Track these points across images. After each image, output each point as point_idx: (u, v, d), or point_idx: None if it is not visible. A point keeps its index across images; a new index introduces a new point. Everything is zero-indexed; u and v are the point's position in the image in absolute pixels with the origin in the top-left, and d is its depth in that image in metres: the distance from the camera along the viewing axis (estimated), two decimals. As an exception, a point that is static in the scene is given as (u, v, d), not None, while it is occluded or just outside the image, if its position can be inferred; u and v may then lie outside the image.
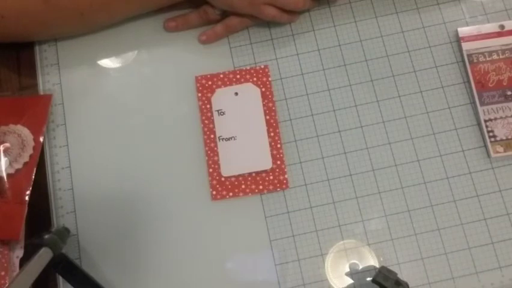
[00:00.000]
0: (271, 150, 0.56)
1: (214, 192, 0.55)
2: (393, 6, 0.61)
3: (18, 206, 0.52)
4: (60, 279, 0.53)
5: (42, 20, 0.54)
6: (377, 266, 0.53)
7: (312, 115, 0.57)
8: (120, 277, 0.53)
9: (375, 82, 0.58)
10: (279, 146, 0.56)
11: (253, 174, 0.55)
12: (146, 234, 0.54)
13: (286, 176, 0.55)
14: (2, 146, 0.54)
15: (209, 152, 0.56)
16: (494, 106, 0.56)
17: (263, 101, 0.57)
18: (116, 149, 0.57)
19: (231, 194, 0.55)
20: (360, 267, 0.53)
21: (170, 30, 0.60)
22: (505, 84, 0.57)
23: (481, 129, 0.56)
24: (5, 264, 0.52)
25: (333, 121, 0.57)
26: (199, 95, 0.58)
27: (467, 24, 0.60)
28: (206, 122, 0.57)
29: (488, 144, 0.55)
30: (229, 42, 0.60)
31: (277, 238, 0.54)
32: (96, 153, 0.57)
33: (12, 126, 0.55)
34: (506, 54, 0.57)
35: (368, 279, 0.53)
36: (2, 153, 0.54)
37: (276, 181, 0.55)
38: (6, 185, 0.53)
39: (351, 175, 0.56)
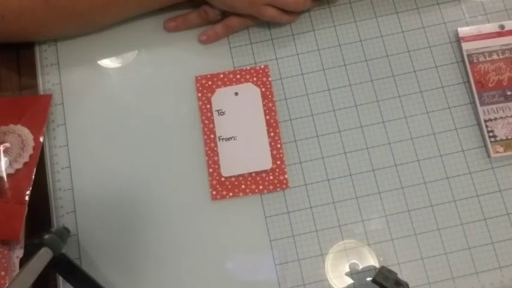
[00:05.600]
0: (271, 150, 0.56)
1: (214, 192, 0.55)
2: (393, 6, 0.61)
3: (18, 206, 0.52)
4: (60, 279, 0.53)
5: (42, 21, 0.54)
6: (377, 266, 0.53)
7: (312, 115, 0.57)
8: (120, 277, 0.53)
9: (375, 82, 0.58)
10: (279, 146, 0.56)
11: (253, 174, 0.55)
12: (146, 234, 0.54)
13: (286, 176, 0.55)
14: (2, 146, 0.55)
15: (209, 152, 0.56)
16: (494, 106, 0.56)
17: (263, 101, 0.57)
18: (116, 149, 0.57)
19: (231, 194, 0.55)
20: (360, 267, 0.53)
21: (170, 30, 0.60)
22: (505, 84, 0.57)
23: (481, 129, 0.56)
24: (5, 264, 0.52)
25: (333, 121, 0.57)
26: (199, 95, 0.58)
27: (467, 24, 0.60)
28: (206, 122, 0.57)
29: (488, 144, 0.55)
30: (229, 42, 0.60)
31: (277, 238, 0.54)
32: (96, 153, 0.57)
33: (12, 126, 0.55)
34: (506, 54, 0.57)
35: (368, 279, 0.53)
36: (2, 153, 0.54)
37: (276, 181, 0.55)
38: (6, 185, 0.53)
39: (351, 175, 0.56)
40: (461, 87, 0.58)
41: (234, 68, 0.59)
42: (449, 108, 0.57)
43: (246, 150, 0.56)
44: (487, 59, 0.57)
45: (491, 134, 0.55)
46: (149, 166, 0.56)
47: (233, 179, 0.55)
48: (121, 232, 0.55)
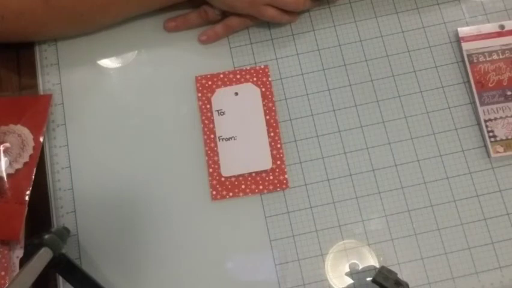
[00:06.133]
0: (271, 150, 0.56)
1: (214, 192, 0.55)
2: (393, 6, 0.61)
3: (18, 206, 0.52)
4: (60, 279, 0.53)
5: (42, 21, 0.54)
6: (377, 266, 0.53)
7: (312, 115, 0.57)
8: (120, 277, 0.53)
9: (375, 82, 0.58)
10: (279, 146, 0.56)
11: (253, 174, 0.55)
12: (146, 234, 0.54)
13: (286, 176, 0.55)
14: (2, 146, 0.55)
15: (209, 152, 0.56)
16: (494, 106, 0.56)
17: (263, 101, 0.57)
18: (116, 148, 0.57)
19: (231, 194, 0.55)
20: (360, 267, 0.53)
21: (170, 30, 0.60)
22: (505, 84, 0.57)
23: (481, 129, 0.56)
24: (5, 264, 0.52)
25: (333, 121, 0.57)
26: (199, 95, 0.58)
27: (467, 24, 0.60)
28: (206, 122, 0.57)
29: (488, 144, 0.55)
30: (229, 42, 0.60)
31: (277, 238, 0.54)
32: (96, 153, 0.57)
33: (12, 126, 0.55)
34: (506, 54, 0.57)
35: (368, 279, 0.53)
36: (2, 153, 0.54)
37: (276, 181, 0.55)
38: (6, 185, 0.53)
39: (351, 175, 0.56)
40: (461, 87, 0.58)
41: (234, 68, 0.59)
42: (449, 108, 0.57)
43: (246, 150, 0.56)
44: (487, 59, 0.57)
45: (491, 134, 0.55)
46: (149, 166, 0.56)
47: (233, 179, 0.55)
48: (121, 232, 0.55)
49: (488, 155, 0.55)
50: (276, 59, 0.59)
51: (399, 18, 0.60)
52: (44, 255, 0.46)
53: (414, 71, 0.58)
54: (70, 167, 0.56)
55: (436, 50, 0.59)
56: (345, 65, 0.59)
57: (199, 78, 0.58)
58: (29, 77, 0.59)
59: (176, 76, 0.59)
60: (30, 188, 0.53)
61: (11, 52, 0.60)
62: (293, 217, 0.55)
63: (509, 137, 0.55)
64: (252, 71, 0.58)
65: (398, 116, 0.57)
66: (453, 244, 0.53)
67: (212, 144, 0.56)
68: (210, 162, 0.56)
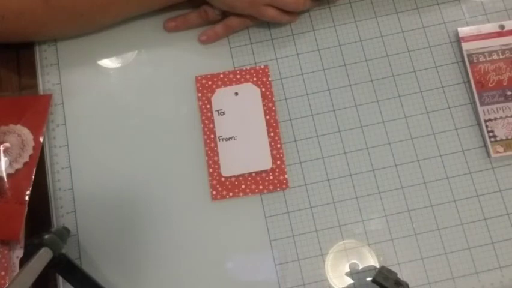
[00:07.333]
0: (271, 150, 0.56)
1: (214, 192, 0.55)
2: (393, 6, 0.61)
3: (18, 206, 0.52)
4: (60, 279, 0.53)
5: (42, 21, 0.54)
6: (377, 266, 0.53)
7: (312, 115, 0.57)
8: (120, 277, 0.53)
9: (375, 82, 0.58)
10: (279, 146, 0.56)
11: (253, 174, 0.55)
12: (146, 234, 0.54)
13: (286, 176, 0.55)
14: (2, 146, 0.55)
15: (209, 152, 0.56)
16: (494, 106, 0.56)
17: (263, 101, 0.57)
18: (116, 149, 0.57)
19: (231, 194, 0.55)
20: (360, 267, 0.53)
21: (170, 30, 0.60)
22: (505, 84, 0.57)
23: (481, 129, 0.56)
24: (5, 264, 0.52)
25: (333, 121, 0.57)
26: (199, 95, 0.58)
27: (467, 24, 0.60)
28: (206, 122, 0.57)
29: (488, 144, 0.55)
30: (229, 42, 0.60)
31: (277, 238, 0.54)
32: (96, 153, 0.57)
33: (12, 126, 0.55)
34: (506, 54, 0.57)
35: (368, 279, 0.53)
36: (2, 153, 0.54)
37: (276, 181, 0.55)
38: (6, 185, 0.53)
39: (351, 175, 0.56)
40: (461, 87, 0.58)
41: (234, 68, 0.59)
42: (449, 108, 0.57)
43: (246, 150, 0.56)
44: (487, 59, 0.57)
45: (491, 134, 0.55)
46: (149, 166, 0.56)
47: (233, 179, 0.55)
48: (121, 232, 0.55)
49: (488, 155, 0.55)
50: (276, 59, 0.59)
51: (399, 18, 0.60)
52: (44, 255, 0.46)
53: (414, 71, 0.58)
54: (70, 167, 0.56)
55: (436, 50, 0.59)
56: (345, 65, 0.59)
57: (199, 78, 0.58)
58: (29, 77, 0.59)
59: (176, 76, 0.59)
60: (30, 188, 0.53)
61: (11, 52, 0.60)
62: (293, 217, 0.55)
63: (509, 137, 0.55)
64: (252, 71, 0.58)
65: (398, 116, 0.57)
66: (453, 244, 0.53)
67: (212, 144, 0.56)
68: (210, 162, 0.56)
